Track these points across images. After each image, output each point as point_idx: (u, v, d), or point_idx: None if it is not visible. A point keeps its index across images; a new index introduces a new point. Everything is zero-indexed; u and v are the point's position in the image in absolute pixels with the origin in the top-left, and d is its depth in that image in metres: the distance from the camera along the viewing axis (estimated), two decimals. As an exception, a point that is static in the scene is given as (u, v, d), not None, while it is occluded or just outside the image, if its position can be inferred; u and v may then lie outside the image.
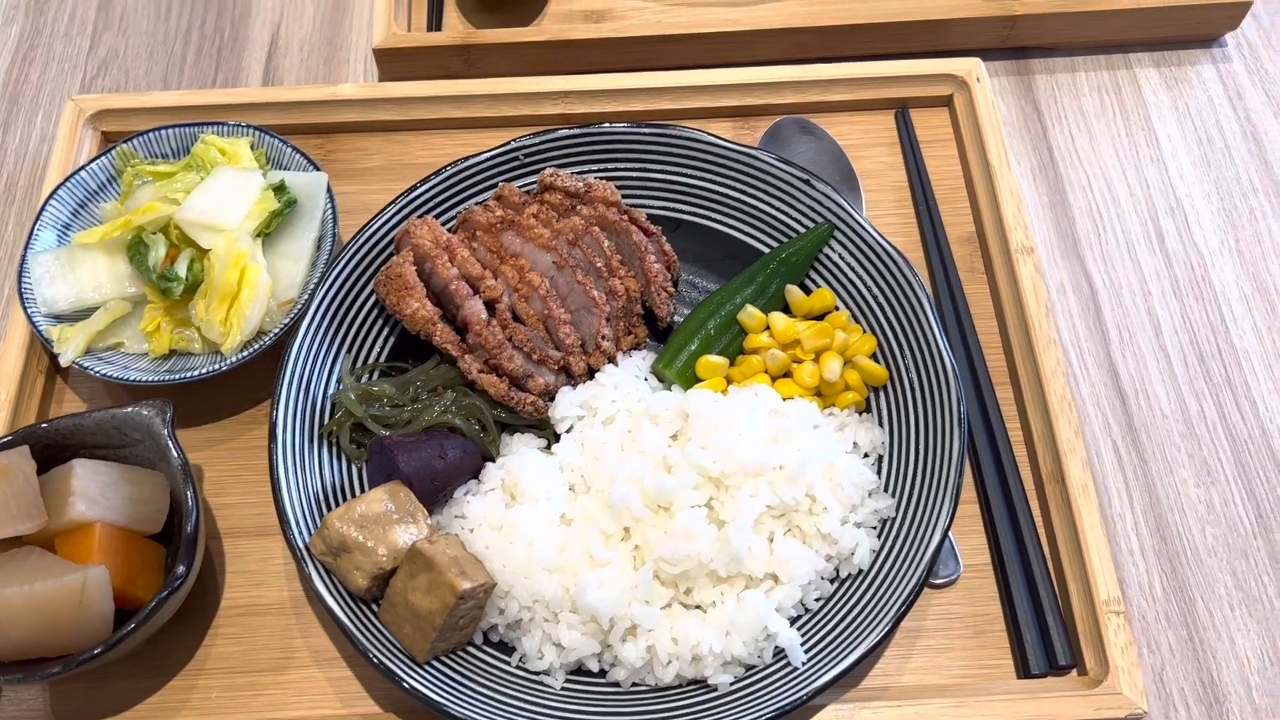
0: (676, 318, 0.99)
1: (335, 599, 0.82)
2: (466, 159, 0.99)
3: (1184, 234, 1.10)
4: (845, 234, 0.97)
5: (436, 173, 0.99)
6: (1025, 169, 1.14)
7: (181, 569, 0.82)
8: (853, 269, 0.97)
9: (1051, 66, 1.20)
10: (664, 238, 1.00)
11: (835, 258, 0.98)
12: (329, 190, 1.00)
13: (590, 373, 0.95)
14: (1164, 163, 1.14)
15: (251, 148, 1.03)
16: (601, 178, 1.01)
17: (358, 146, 1.12)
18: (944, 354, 0.89)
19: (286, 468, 0.86)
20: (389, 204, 0.97)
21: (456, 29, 1.20)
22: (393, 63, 1.16)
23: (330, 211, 1.00)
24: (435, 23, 1.20)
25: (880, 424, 0.93)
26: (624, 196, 1.02)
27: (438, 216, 0.99)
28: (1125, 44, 1.21)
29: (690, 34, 1.15)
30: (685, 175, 1.02)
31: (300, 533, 0.84)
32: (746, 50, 1.18)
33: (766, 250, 1.01)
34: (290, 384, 0.90)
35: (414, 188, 0.98)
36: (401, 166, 1.11)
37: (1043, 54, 1.21)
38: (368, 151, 1.12)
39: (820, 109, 1.13)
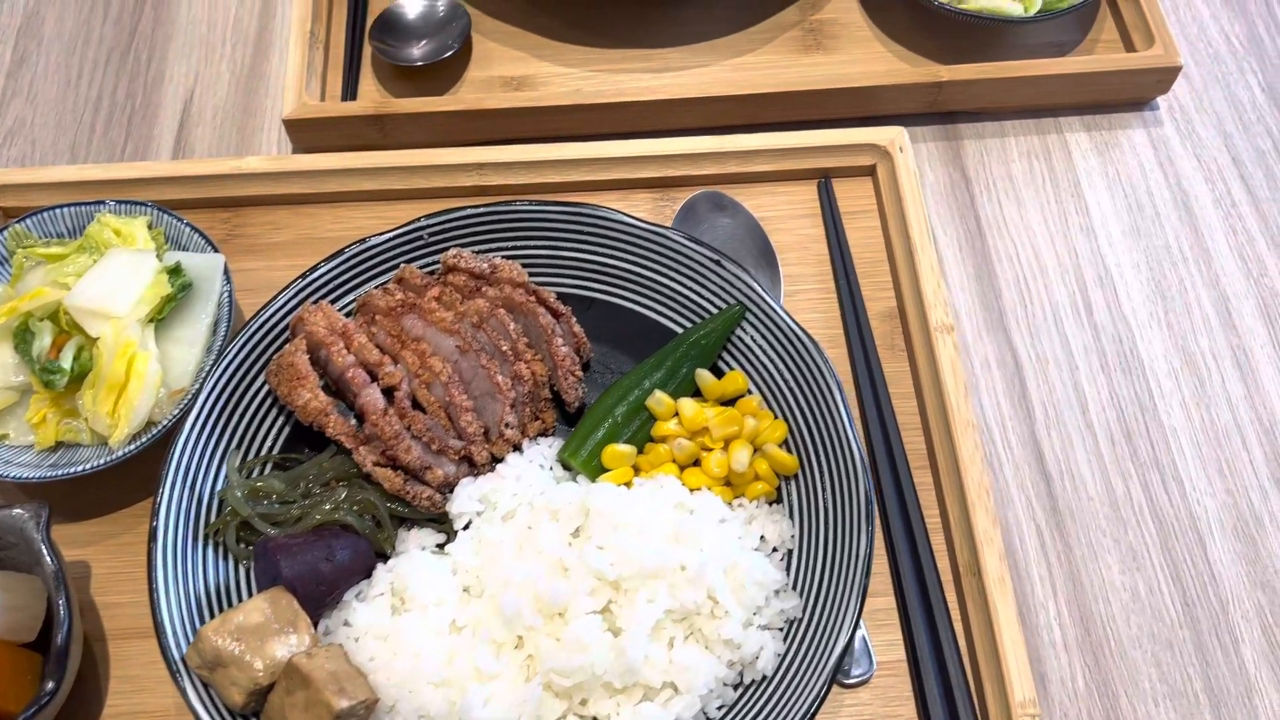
0: (590, 399, 0.96)
1: (211, 716, 0.78)
2: (367, 240, 0.96)
3: (1112, 305, 1.08)
4: (757, 316, 0.94)
5: (335, 254, 0.95)
6: (951, 238, 1.11)
7: (51, 685, 0.78)
8: (764, 352, 0.94)
9: (980, 131, 1.18)
10: (574, 318, 0.97)
11: (748, 340, 0.95)
12: (226, 272, 0.97)
13: (494, 461, 0.92)
14: (1093, 230, 1.12)
15: (150, 227, 1.00)
16: (509, 257, 0.99)
17: (266, 220, 1.09)
18: (853, 445, 0.86)
19: (167, 572, 0.83)
20: (285, 288, 0.94)
21: (372, 97, 1.17)
22: (304, 133, 1.13)
23: (227, 295, 0.96)
24: (351, 91, 1.17)
25: (791, 515, 0.90)
26: (533, 275, 0.99)
27: (337, 300, 0.96)
28: (1055, 108, 1.19)
29: (610, 103, 1.13)
30: (597, 254, 0.99)
31: (177, 643, 0.81)
32: (668, 118, 1.15)
33: (680, 330, 0.98)
34: (174, 481, 0.86)
35: (312, 270, 0.95)
36: (310, 241, 1.08)
37: (971, 118, 1.19)
38: (276, 225, 1.09)
39: (741, 179, 1.11)
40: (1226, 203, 1.14)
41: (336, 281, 0.96)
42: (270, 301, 0.93)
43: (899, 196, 1.06)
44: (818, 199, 1.10)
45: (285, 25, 1.21)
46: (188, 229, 1.00)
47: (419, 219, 0.97)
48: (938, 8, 1.15)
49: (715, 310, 0.96)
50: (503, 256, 0.98)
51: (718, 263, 0.95)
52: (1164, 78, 1.17)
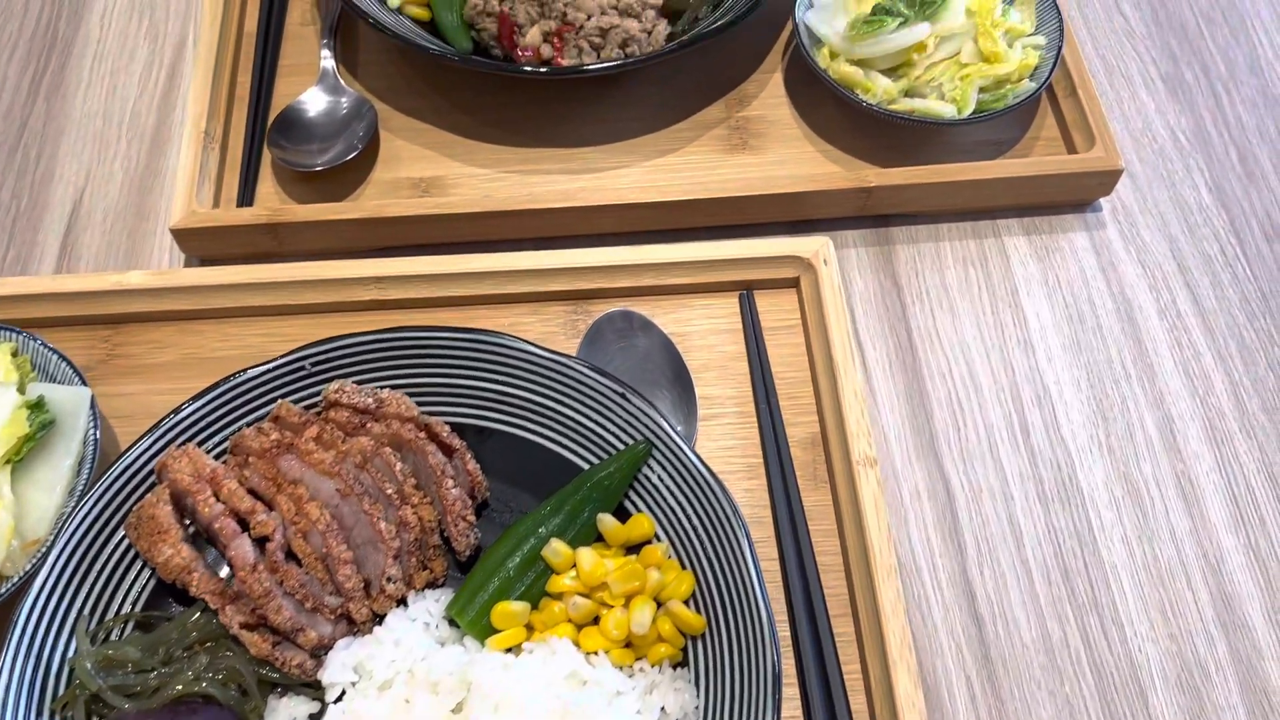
0: (487, 540, 0.89)
1: None
2: (241, 374, 0.89)
3: (1051, 428, 1.01)
4: (663, 454, 0.88)
5: (207, 390, 0.88)
6: (881, 353, 1.05)
7: None
8: (672, 493, 0.88)
9: (914, 235, 1.12)
10: (469, 454, 0.90)
11: (654, 479, 0.88)
12: (93, 407, 0.90)
13: (376, 618, 0.85)
14: (1031, 344, 1.06)
15: (14, 354, 0.93)
16: (400, 387, 0.92)
17: (148, 338, 1.02)
18: (761, 612, 0.79)
19: (2, 759, 0.75)
20: (148, 431, 0.86)
21: (270, 201, 1.10)
22: (194, 241, 1.07)
23: (93, 432, 0.89)
24: (248, 194, 1.10)
25: (696, 681, 0.83)
26: (426, 405, 0.92)
27: (209, 439, 0.89)
28: (993, 209, 1.13)
29: (522, 210, 1.06)
30: (495, 382, 0.92)
31: (7, 845, 0.73)
32: (585, 223, 1.09)
33: (585, 465, 0.91)
34: (18, 650, 0.78)
35: (180, 408, 0.88)
36: (196, 361, 1.01)
37: (905, 221, 1.13)
38: (159, 344, 1.01)
39: (659, 292, 1.04)
40: (1172, 313, 1.08)
41: (208, 420, 0.89)
42: (134, 445, 0.86)
43: (823, 314, 1.00)
44: (739, 312, 1.04)
45: (184, 120, 1.14)
46: (55, 357, 0.92)
47: (300, 349, 0.90)
48: (867, 108, 1.09)
49: (622, 445, 0.90)
50: (392, 387, 0.91)
51: (623, 395, 0.88)
52: (1106, 180, 1.11)
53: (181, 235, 1.06)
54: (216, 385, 0.88)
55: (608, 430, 0.90)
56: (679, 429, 0.89)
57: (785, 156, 1.14)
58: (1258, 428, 1.01)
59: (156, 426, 0.87)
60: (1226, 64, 1.25)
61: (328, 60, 1.17)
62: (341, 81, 1.16)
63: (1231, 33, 1.27)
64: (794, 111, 1.18)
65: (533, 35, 1.13)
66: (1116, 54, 1.25)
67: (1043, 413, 1.02)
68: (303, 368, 0.91)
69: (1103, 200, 1.14)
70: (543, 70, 1.07)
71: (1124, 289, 1.09)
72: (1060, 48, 1.11)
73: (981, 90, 1.10)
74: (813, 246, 1.03)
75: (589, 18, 1.13)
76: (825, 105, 1.16)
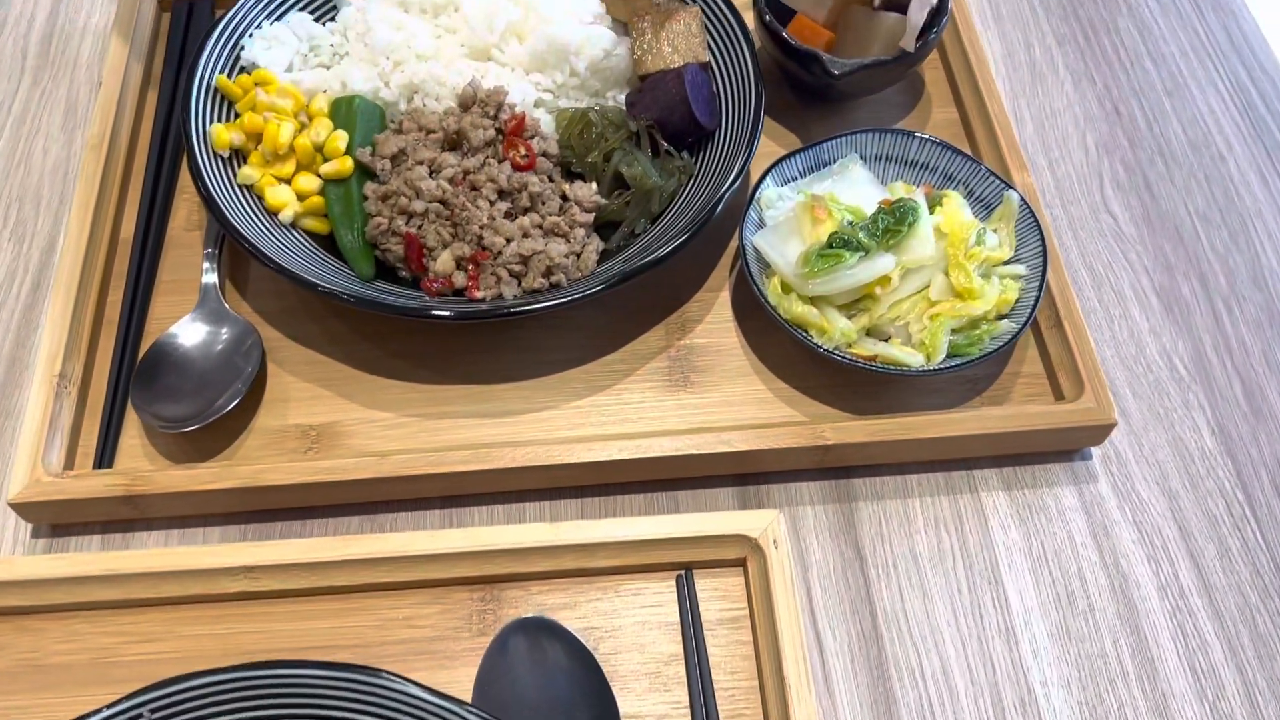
0: None
1: None
2: (61, 735, 0.74)
3: (1038, 743, 0.87)
4: (574, 831, 0.73)
5: (17, 757, 0.73)
6: (842, 644, 0.90)
7: None
8: None
9: (879, 489, 0.98)
10: (342, 819, 0.74)
11: None
12: (-120, 768, 0.74)
13: None
14: (1014, 633, 0.91)
15: None
16: (260, 735, 0.76)
17: (-26, 640, 0.86)
18: None
19: None
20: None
21: (136, 458, 0.95)
22: (40, 512, 0.91)
23: (-123, 802, 0.73)
24: (108, 452, 0.95)
25: None
26: (293, 755, 0.77)
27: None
28: (969, 459, 0.99)
29: (422, 475, 0.92)
30: (375, 725, 0.77)
31: None
32: (499, 482, 0.94)
33: (483, 825, 0.76)
34: None
35: (-18, 783, 0.72)
36: (32, 670, 0.85)
37: (869, 472, 0.99)
38: (-13, 648, 0.86)
39: (582, 575, 0.89)
40: (1174, 590, 0.94)
41: (15, 796, 0.73)
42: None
43: (772, 612, 0.85)
44: (676, 598, 0.89)
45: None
46: None
47: (137, 695, 0.75)
48: (823, 353, 0.95)
49: (526, 805, 0.75)
50: (251, 736, 0.76)
51: (525, 754, 0.73)
52: (1097, 434, 0.97)
53: (23, 509, 0.90)
54: (27, 751, 0.73)
55: (509, 789, 0.75)
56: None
57: (732, 395, 1.00)
58: (1277, 743, 0.87)
59: (-53, 812, 0.71)
60: (1226, 275, 1.12)
61: (210, 275, 1.03)
62: (225, 304, 1.01)
63: (1231, 236, 1.15)
64: (742, 340, 1.03)
65: (444, 262, 0.98)
66: (1105, 261, 1.12)
67: (1027, 722, 0.88)
68: (140, 714, 0.75)
69: (1093, 448, 1.01)
70: (449, 315, 0.93)
71: (1119, 560, 0.95)
72: (1044, 277, 0.98)
73: (954, 330, 0.97)
74: (761, 523, 0.89)
75: (508, 242, 0.99)
76: (776, 333, 1.02)
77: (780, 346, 1.03)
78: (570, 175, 1.07)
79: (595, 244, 1.02)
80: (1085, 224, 1.15)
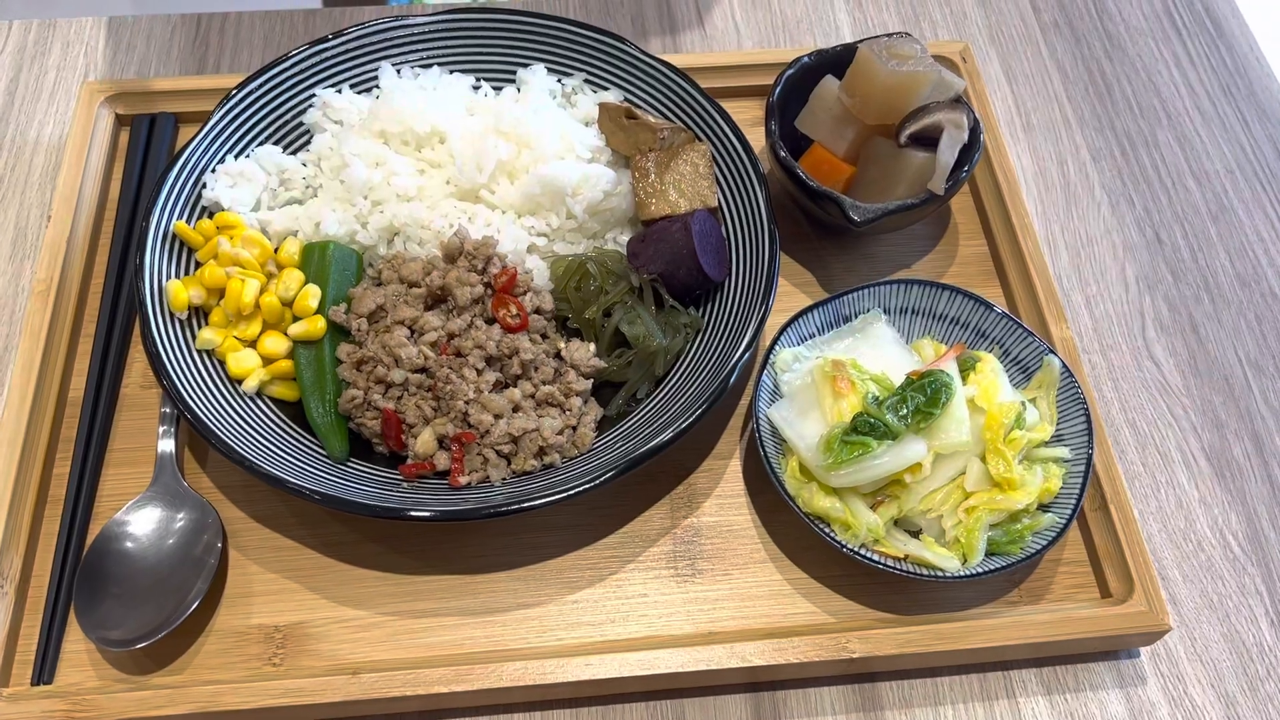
0: None
1: None
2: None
3: None
4: None
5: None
6: None
7: None
8: None
9: (907, 696, 0.88)
10: None
11: None
12: None
13: None
14: None
15: None
16: None
17: None
18: None
19: None
20: None
21: (81, 670, 0.84)
22: (-30, 739, 0.81)
23: None
24: (47, 668, 0.84)
25: None
26: None
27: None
28: (1005, 660, 0.90)
29: (395, 697, 0.82)
30: None
31: None
32: (487, 698, 0.84)
33: None
34: None
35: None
36: None
37: (896, 676, 0.89)
38: None
39: (578, 813, 0.80)
40: (1234, 819, 0.85)
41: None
42: None
43: None
44: (683, 839, 0.80)
45: (-27, 545, 0.88)
46: None
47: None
48: (847, 552, 0.85)
49: None
50: None
51: None
52: (1146, 638, 0.88)
53: (-52, 738, 0.80)
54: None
55: None
56: None
57: (745, 588, 0.90)
58: None
59: None
60: (1283, 435, 1.03)
61: (166, 442, 0.93)
62: (182, 480, 0.91)
63: (1286, 388, 1.05)
64: (754, 517, 0.94)
65: (425, 443, 0.89)
66: (1149, 418, 1.03)
67: None
68: None
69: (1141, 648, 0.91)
70: (428, 516, 0.83)
71: (1173, 780, 0.86)
72: (1089, 464, 0.89)
73: (992, 525, 0.87)
74: (778, 759, 0.79)
75: (497, 418, 0.89)
76: (793, 513, 0.92)
77: (798, 529, 0.93)
78: (565, 330, 0.97)
79: (593, 413, 0.93)
80: (1127, 373, 1.05)
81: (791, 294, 1.06)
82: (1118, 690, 0.89)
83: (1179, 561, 0.96)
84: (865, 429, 0.85)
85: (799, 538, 0.93)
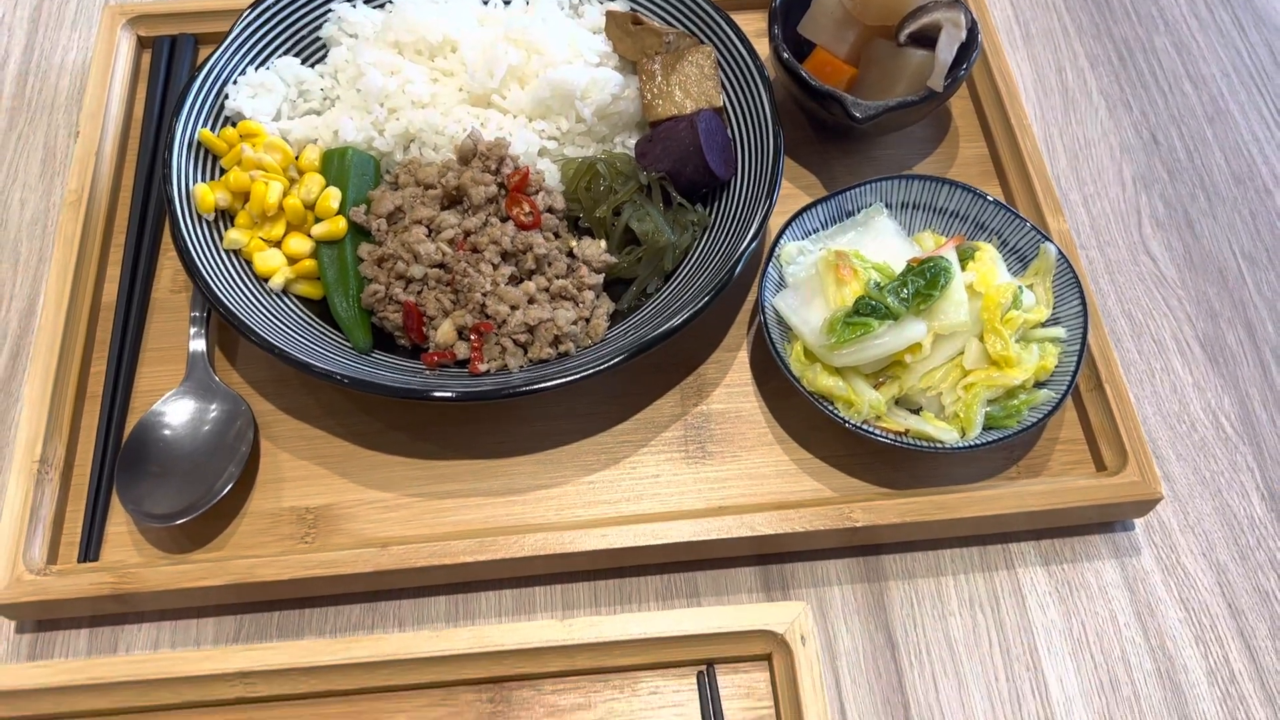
0: None
1: None
2: None
3: (1082, 847, 0.82)
4: None
5: None
6: (874, 740, 0.85)
7: None
8: None
9: (910, 568, 0.92)
10: None
11: None
12: None
13: None
14: (1055, 724, 0.86)
15: None
16: None
17: (-45, 757, 0.81)
18: None
19: None
20: None
21: (124, 550, 0.89)
22: (22, 611, 0.86)
23: None
24: (93, 544, 0.89)
25: None
26: None
27: None
28: (1005, 533, 0.94)
29: (423, 567, 0.86)
30: None
31: None
32: (510, 569, 0.89)
33: None
34: None
35: None
36: (18, 784, 0.81)
37: (899, 549, 0.93)
38: (-32, 765, 0.81)
39: (595, 673, 0.84)
40: (1224, 675, 0.88)
41: None
42: None
43: (800, 711, 0.80)
44: (697, 697, 0.84)
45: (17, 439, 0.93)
46: None
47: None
48: (849, 427, 0.89)
49: None
50: None
51: None
52: (1140, 508, 0.92)
53: (4, 609, 0.85)
54: None
55: None
56: None
57: (753, 468, 0.94)
58: (1336, 844, 0.82)
59: None
60: (1275, 322, 1.05)
61: (198, 342, 0.97)
62: (214, 376, 0.95)
63: (1279, 279, 1.08)
64: (762, 404, 0.98)
65: (445, 332, 0.92)
66: (1145, 308, 1.06)
67: (1072, 825, 0.83)
68: None
69: (1136, 518, 0.95)
70: (451, 396, 0.87)
71: (1165, 641, 0.90)
72: (1084, 341, 0.92)
73: (989, 401, 0.91)
74: (788, 617, 0.83)
75: (513, 309, 0.92)
76: (798, 397, 0.96)
77: (803, 412, 0.97)
78: (577, 229, 1.01)
79: (605, 306, 0.96)
80: (1123, 267, 1.08)
81: (796, 197, 1.09)
82: (1113, 560, 0.93)
83: (1173, 442, 0.99)
84: (867, 311, 0.89)
85: (805, 421, 0.96)
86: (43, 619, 0.88)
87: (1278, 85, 1.21)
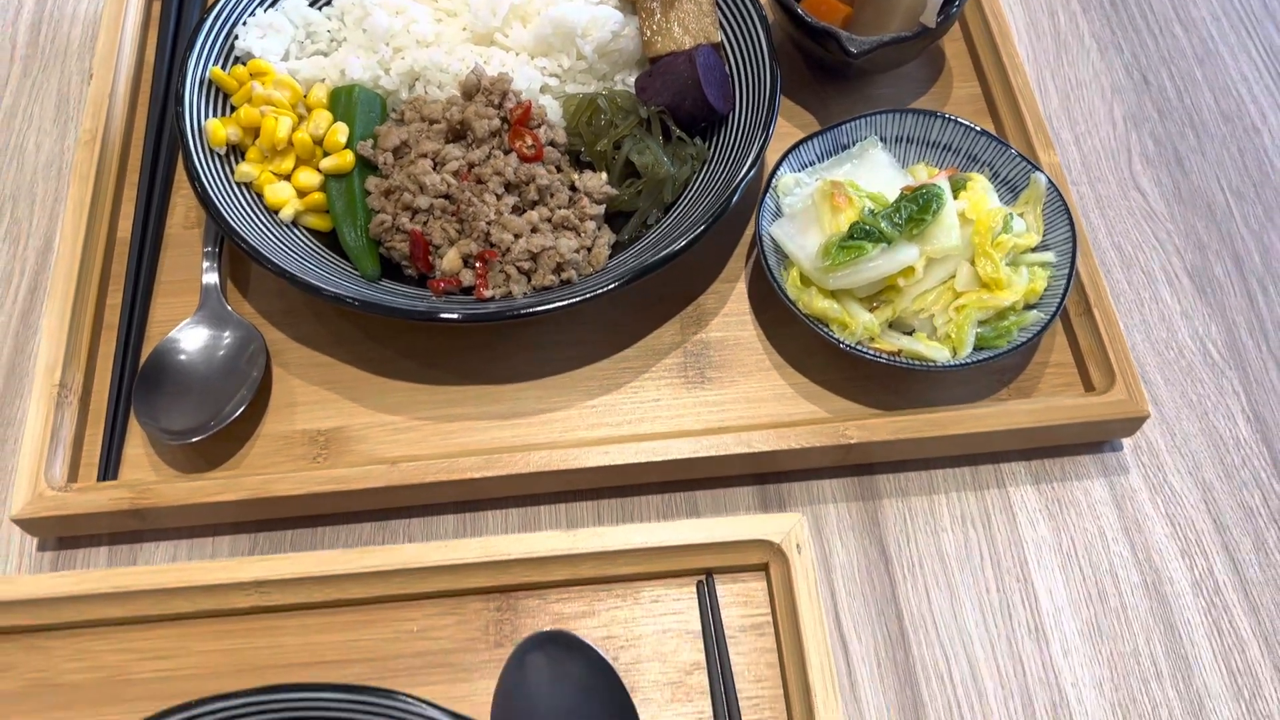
0: None
1: None
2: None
3: (1070, 747, 0.85)
4: None
5: (29, 789, 0.71)
6: (868, 648, 0.88)
7: None
8: None
9: (903, 486, 0.95)
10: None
11: None
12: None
13: None
14: (1044, 632, 0.89)
15: None
16: (276, 759, 0.75)
17: (-17, 660, 0.85)
18: None
19: None
20: None
21: (141, 468, 0.93)
22: (43, 527, 0.89)
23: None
24: (112, 463, 0.92)
25: None
26: (310, 778, 0.75)
27: None
28: (995, 452, 0.96)
29: (433, 483, 0.89)
30: (393, 746, 0.75)
31: None
32: (512, 486, 0.92)
33: (505, 846, 0.74)
34: None
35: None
36: (45, 688, 0.83)
37: (893, 468, 0.96)
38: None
39: (600, 582, 0.87)
40: (1209, 586, 0.91)
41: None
42: None
43: (797, 620, 0.83)
44: (697, 605, 0.87)
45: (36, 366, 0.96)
46: None
47: (148, 721, 0.73)
48: (844, 348, 0.92)
49: (548, 826, 0.73)
50: (266, 761, 0.74)
51: (547, 777, 0.72)
52: (1128, 425, 0.94)
53: (27, 524, 0.88)
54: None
55: (531, 811, 0.73)
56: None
57: (751, 392, 0.97)
58: (1316, 743, 0.85)
59: None
60: (1261, 253, 1.08)
61: (210, 275, 1.00)
62: (227, 306, 0.98)
63: (1265, 212, 1.10)
64: (760, 332, 1.00)
65: (450, 260, 0.95)
66: (1134, 241, 1.08)
67: (1059, 726, 0.86)
68: (152, 744, 0.74)
69: (1124, 438, 0.97)
70: (457, 318, 0.89)
71: (1151, 555, 0.93)
72: (1073, 265, 0.94)
73: (980, 322, 0.93)
74: (784, 527, 0.86)
75: (517, 238, 0.95)
76: (795, 325, 0.99)
77: (800, 339, 0.99)
78: (579, 164, 1.03)
79: (606, 236, 0.99)
80: (1113, 202, 1.11)
81: (793, 134, 1.11)
82: (1101, 479, 0.96)
83: (1161, 367, 1.02)
84: (861, 235, 0.92)
85: (801, 347, 0.99)
86: (63, 535, 0.91)
87: (1267, 28, 1.24)
